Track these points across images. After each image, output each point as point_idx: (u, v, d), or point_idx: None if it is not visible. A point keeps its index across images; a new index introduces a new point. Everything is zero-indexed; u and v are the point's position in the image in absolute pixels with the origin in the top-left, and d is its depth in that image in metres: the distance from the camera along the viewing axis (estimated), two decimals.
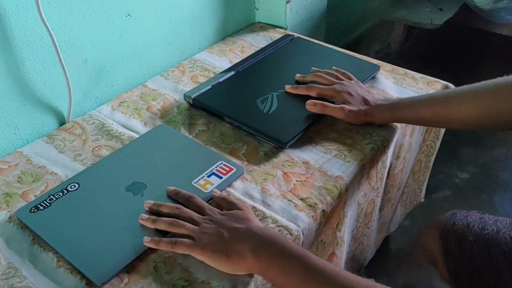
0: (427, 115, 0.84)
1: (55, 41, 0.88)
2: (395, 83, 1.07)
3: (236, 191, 0.80)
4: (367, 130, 0.93)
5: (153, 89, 1.08)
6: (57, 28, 0.89)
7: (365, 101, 0.91)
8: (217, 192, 0.77)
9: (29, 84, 0.90)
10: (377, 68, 1.09)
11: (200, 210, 0.72)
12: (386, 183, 1.02)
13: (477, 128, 0.84)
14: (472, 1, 2.05)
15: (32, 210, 0.76)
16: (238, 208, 0.72)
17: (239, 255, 0.64)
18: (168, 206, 0.73)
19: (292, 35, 1.24)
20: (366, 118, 0.91)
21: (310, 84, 0.97)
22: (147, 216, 0.72)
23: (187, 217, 0.70)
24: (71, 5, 0.90)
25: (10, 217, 0.77)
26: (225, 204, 0.75)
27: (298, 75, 1.02)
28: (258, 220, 0.72)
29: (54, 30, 0.88)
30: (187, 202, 0.74)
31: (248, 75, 1.07)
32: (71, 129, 0.96)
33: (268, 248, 0.64)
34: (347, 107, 0.90)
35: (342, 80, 0.97)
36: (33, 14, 0.84)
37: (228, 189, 0.81)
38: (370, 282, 0.57)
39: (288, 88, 0.99)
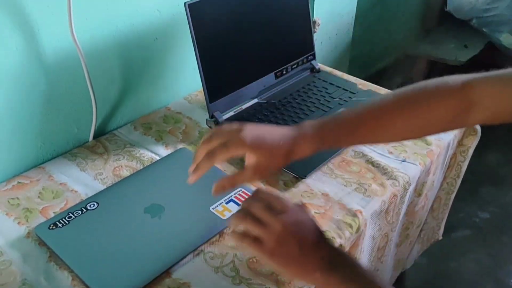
0: (354, 143, 0.80)
1: (85, 60, 0.90)
2: None
3: None
4: (389, 165, 0.92)
5: (176, 112, 1.10)
6: (87, 47, 0.91)
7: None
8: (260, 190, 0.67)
9: (57, 101, 0.92)
10: None
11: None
12: (406, 220, 1.01)
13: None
14: (498, 40, 2.05)
15: (50, 227, 0.76)
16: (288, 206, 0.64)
17: (309, 272, 0.60)
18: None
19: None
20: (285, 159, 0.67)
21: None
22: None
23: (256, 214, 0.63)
24: (103, 25, 0.93)
25: (28, 233, 0.77)
26: (275, 203, 0.64)
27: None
28: (316, 222, 0.65)
29: (84, 49, 0.90)
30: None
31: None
32: (94, 148, 0.97)
33: (339, 271, 0.60)
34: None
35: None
36: (65, 34, 0.86)
37: None
38: None
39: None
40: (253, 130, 0.64)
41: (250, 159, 0.65)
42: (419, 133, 0.73)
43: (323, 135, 0.66)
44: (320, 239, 0.62)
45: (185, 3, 0.89)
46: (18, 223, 0.79)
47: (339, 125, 0.68)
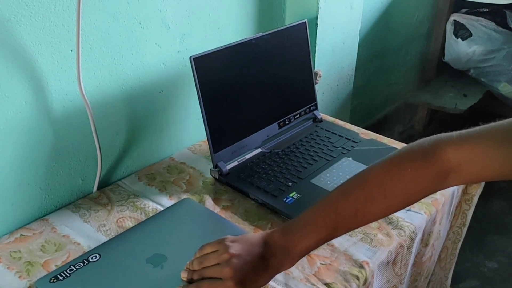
0: (340, 234, 0.70)
1: (92, 113, 0.92)
2: None
3: None
4: (394, 215, 0.91)
5: (180, 162, 1.10)
6: (94, 101, 0.93)
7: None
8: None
9: (63, 154, 0.93)
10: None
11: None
12: (414, 271, 0.99)
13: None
14: (497, 89, 2.09)
15: (51, 281, 0.75)
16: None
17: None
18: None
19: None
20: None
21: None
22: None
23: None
24: (110, 79, 0.95)
25: (29, 287, 0.76)
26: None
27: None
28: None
29: (91, 103, 0.92)
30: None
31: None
32: (98, 199, 0.97)
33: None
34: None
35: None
36: (73, 88, 0.88)
37: None
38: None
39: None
40: (239, 269, 0.64)
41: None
42: (394, 211, 0.70)
43: (301, 249, 0.66)
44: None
45: (190, 57, 0.91)
46: (19, 277, 0.78)
47: (312, 229, 0.66)
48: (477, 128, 0.61)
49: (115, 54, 0.94)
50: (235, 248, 0.66)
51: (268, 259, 0.66)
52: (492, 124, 0.61)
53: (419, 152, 0.64)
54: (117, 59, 0.95)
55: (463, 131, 0.62)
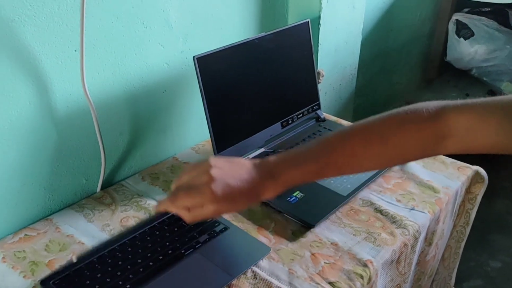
0: (331, 174, 0.71)
1: (95, 114, 0.92)
2: (424, 167, 1.07)
3: (262, 271, 0.78)
4: (397, 213, 0.91)
5: (184, 162, 1.10)
6: (98, 101, 0.93)
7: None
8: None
9: (67, 154, 0.93)
10: None
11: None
12: (417, 270, 0.99)
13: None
14: (499, 89, 2.08)
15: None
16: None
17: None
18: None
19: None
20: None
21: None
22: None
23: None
24: (113, 79, 0.95)
25: (34, 286, 0.76)
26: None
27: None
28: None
29: (95, 103, 0.92)
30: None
31: None
32: (101, 199, 0.97)
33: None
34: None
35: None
36: (77, 88, 0.89)
37: (254, 268, 0.79)
38: None
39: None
40: (222, 180, 0.64)
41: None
42: (388, 163, 0.72)
43: (285, 180, 0.67)
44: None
45: (194, 57, 0.91)
46: (24, 276, 0.78)
47: (303, 161, 0.67)
48: (484, 99, 0.60)
49: (118, 54, 0.94)
50: (216, 169, 0.66)
51: (252, 183, 0.66)
52: (500, 97, 0.60)
53: (423, 110, 0.63)
54: (121, 59, 0.95)
55: (469, 100, 0.61)
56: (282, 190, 0.67)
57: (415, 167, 1.06)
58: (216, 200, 0.64)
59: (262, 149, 1.10)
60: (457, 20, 2.16)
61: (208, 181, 0.64)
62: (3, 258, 0.82)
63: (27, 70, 0.81)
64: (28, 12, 0.78)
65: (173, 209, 0.68)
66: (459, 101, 0.62)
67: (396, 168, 1.06)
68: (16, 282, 0.77)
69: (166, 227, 0.86)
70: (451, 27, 2.18)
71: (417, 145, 0.65)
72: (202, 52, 0.93)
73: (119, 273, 0.76)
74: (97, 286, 0.74)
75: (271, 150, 1.10)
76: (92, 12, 0.86)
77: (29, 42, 0.80)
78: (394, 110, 0.66)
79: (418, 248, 0.93)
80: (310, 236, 0.87)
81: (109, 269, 0.77)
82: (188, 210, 0.66)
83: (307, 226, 0.88)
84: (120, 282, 0.74)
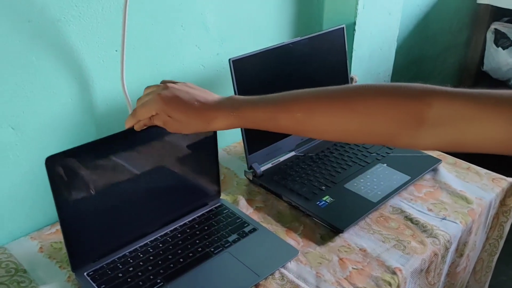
0: (287, 123, 0.65)
1: None
2: (457, 177, 1.05)
3: (290, 273, 0.79)
4: (428, 222, 0.90)
5: None
6: (136, 99, 0.95)
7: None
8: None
9: None
10: (438, 161, 1.08)
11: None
12: (447, 282, 0.97)
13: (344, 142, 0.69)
14: None
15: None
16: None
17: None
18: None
19: None
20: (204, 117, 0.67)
21: None
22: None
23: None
24: (151, 79, 0.97)
25: (69, 277, 0.79)
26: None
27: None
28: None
29: (133, 102, 0.94)
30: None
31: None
32: None
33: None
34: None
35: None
36: (116, 86, 0.91)
37: (282, 270, 0.80)
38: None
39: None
40: (172, 91, 0.67)
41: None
42: (348, 135, 0.63)
43: (241, 115, 0.66)
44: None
45: (229, 59, 0.93)
46: (60, 267, 0.81)
47: (264, 103, 0.66)
48: (476, 90, 0.53)
49: (157, 55, 0.97)
50: (172, 84, 0.69)
51: (207, 103, 0.67)
52: (494, 90, 0.52)
53: (407, 87, 0.57)
54: (159, 59, 0.98)
55: (460, 89, 0.53)
56: (234, 124, 0.67)
57: (448, 176, 1.05)
58: (163, 102, 0.66)
59: (293, 153, 1.11)
60: (495, 29, 2.11)
61: (158, 89, 0.68)
62: (40, 248, 0.85)
63: (71, 68, 0.85)
64: (73, 13, 0.81)
65: (135, 121, 0.70)
66: (448, 88, 0.54)
67: (428, 177, 1.05)
68: (52, 272, 0.80)
69: (196, 225, 0.88)
70: (489, 36, 2.14)
71: (385, 121, 0.57)
72: (237, 55, 0.95)
73: (150, 268, 0.78)
74: (129, 279, 0.76)
75: (302, 155, 1.10)
76: (134, 14, 0.89)
77: (73, 41, 0.83)
78: (385, 84, 0.60)
79: (448, 259, 0.92)
80: (339, 241, 0.87)
81: (141, 263, 0.79)
82: (150, 120, 0.69)
83: (335, 230, 0.88)
84: (151, 276, 0.76)
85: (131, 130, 0.72)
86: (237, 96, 0.68)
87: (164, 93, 0.67)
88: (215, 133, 0.90)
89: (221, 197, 0.97)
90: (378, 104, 0.57)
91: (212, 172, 0.94)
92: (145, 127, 0.71)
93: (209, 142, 0.90)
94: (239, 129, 0.98)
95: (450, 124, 0.53)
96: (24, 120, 0.82)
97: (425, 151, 1.11)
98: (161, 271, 0.78)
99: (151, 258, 0.80)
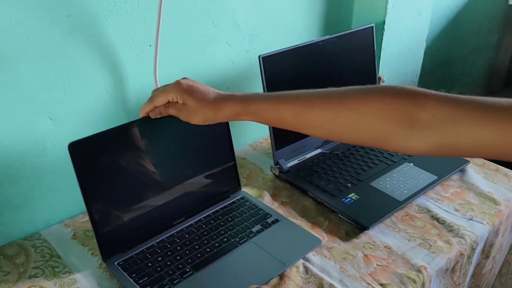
0: (287, 115, 0.68)
1: None
2: (485, 178, 1.04)
3: (314, 267, 0.80)
4: (455, 222, 0.90)
5: (241, 158, 1.14)
6: None
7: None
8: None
9: None
10: (466, 162, 1.07)
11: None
12: (472, 283, 0.97)
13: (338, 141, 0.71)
14: None
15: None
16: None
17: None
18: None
19: None
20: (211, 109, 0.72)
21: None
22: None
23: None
24: (182, 74, 0.99)
25: (100, 264, 0.81)
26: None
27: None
28: None
29: None
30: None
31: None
32: None
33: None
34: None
35: None
36: (149, 80, 0.94)
37: (306, 263, 0.81)
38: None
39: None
40: (189, 81, 0.74)
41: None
42: (339, 133, 0.65)
43: (247, 105, 0.70)
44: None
45: (259, 56, 0.95)
46: (92, 254, 0.84)
47: (268, 97, 0.70)
48: (468, 96, 0.55)
49: (188, 51, 0.99)
50: (188, 78, 0.76)
51: (217, 95, 0.72)
52: (487, 97, 0.54)
53: (400, 88, 0.58)
54: (190, 55, 1.00)
55: (452, 94, 0.55)
56: (239, 113, 0.71)
57: (476, 177, 1.04)
58: (182, 89, 0.72)
59: (319, 150, 1.12)
60: None
61: (176, 81, 0.74)
62: (73, 235, 0.88)
63: (107, 62, 0.88)
64: (111, 8, 0.84)
65: (151, 106, 0.75)
66: (442, 92, 0.55)
67: (456, 177, 1.04)
68: (84, 258, 0.83)
69: (220, 217, 0.90)
70: None
71: (377, 119, 0.58)
72: (266, 52, 0.97)
73: (178, 257, 0.80)
74: (159, 268, 0.78)
75: (328, 152, 1.11)
76: (168, 11, 0.91)
77: (110, 35, 0.86)
78: (374, 89, 0.61)
79: (474, 260, 0.91)
80: (364, 237, 0.87)
81: (169, 253, 0.81)
82: (165, 109, 0.75)
83: (361, 227, 0.89)
84: (180, 265, 0.78)
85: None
86: (244, 93, 0.74)
87: (184, 81, 0.74)
88: (228, 130, 0.94)
89: (246, 191, 0.99)
90: (371, 101, 0.59)
91: (230, 165, 0.96)
92: (160, 116, 0.76)
93: (224, 137, 0.95)
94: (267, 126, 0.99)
95: (442, 126, 0.54)
96: (61, 111, 0.86)
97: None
98: (189, 260, 0.80)
99: (178, 248, 0.82)
